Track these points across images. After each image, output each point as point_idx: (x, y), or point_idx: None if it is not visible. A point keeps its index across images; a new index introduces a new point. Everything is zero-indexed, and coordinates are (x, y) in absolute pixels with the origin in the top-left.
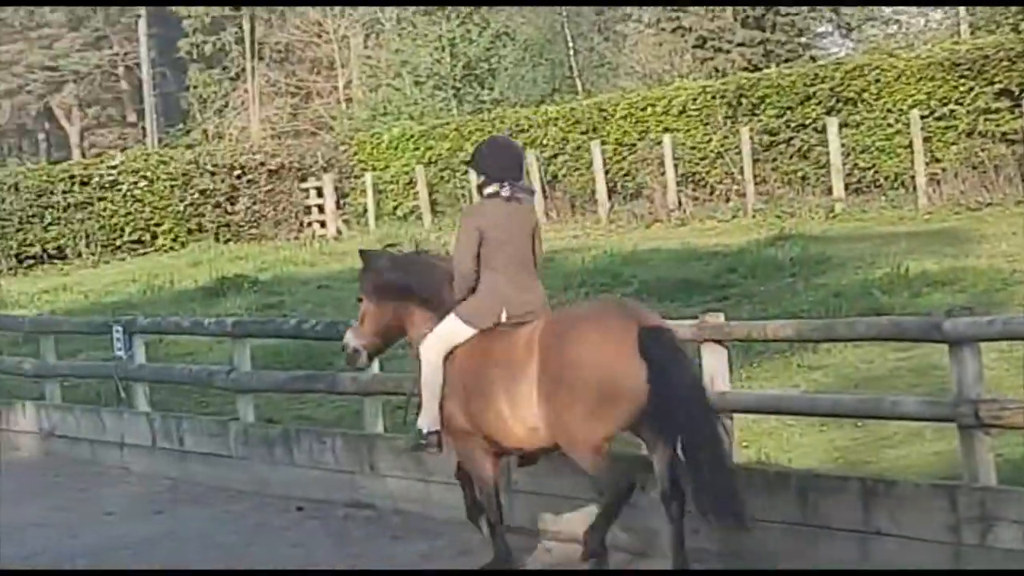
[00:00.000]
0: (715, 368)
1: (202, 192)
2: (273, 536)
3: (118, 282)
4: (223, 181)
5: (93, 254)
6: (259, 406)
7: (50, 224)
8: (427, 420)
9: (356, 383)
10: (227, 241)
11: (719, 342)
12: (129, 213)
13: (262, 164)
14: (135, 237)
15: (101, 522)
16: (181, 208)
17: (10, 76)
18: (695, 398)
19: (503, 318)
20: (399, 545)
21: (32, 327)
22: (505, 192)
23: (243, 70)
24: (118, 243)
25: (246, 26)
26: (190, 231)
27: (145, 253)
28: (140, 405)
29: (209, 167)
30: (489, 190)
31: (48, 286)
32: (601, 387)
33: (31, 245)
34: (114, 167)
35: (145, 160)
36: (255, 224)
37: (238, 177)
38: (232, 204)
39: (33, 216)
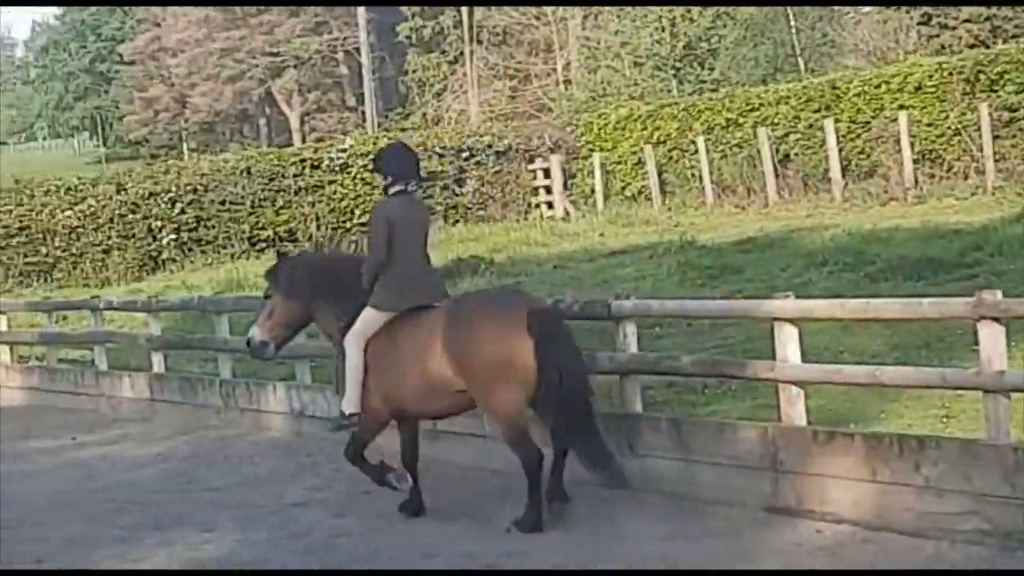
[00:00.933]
0: (992, 347)
1: (430, 174)
2: None
3: None
4: (451, 163)
5: (323, 236)
6: None
7: (281, 208)
8: (350, 403)
9: (614, 362)
10: (455, 223)
11: (996, 320)
12: (358, 196)
13: (489, 146)
14: (364, 220)
15: (360, 500)
16: None
17: (232, 62)
18: (575, 370)
19: (411, 303)
20: (667, 526)
21: None
22: (410, 189)
23: (461, 53)
24: (348, 226)
25: (464, 10)
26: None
27: None
28: None
29: (437, 149)
30: (395, 189)
31: None
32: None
33: (263, 228)
34: (344, 150)
35: (375, 143)
36: (482, 206)
37: (466, 159)
38: (460, 186)
39: (265, 200)
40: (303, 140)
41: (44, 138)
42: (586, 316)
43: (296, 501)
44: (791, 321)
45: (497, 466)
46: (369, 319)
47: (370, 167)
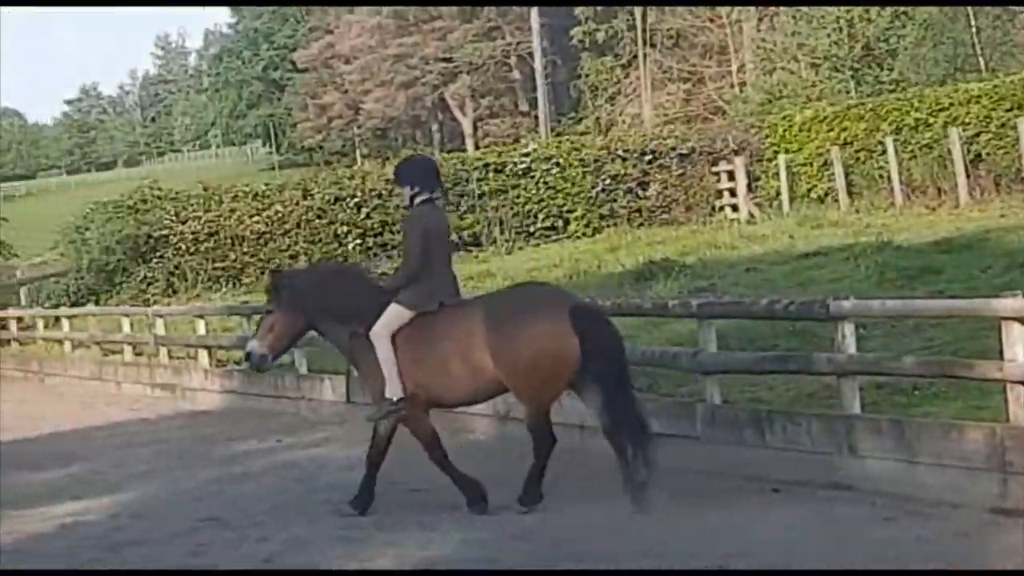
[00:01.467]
0: None
1: (613, 178)
2: (746, 516)
3: (539, 267)
4: (634, 166)
5: (508, 241)
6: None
7: (465, 212)
8: (394, 390)
9: (832, 364)
10: (639, 226)
11: None
12: (542, 200)
13: (672, 149)
14: (548, 224)
15: (575, 502)
16: (593, 194)
17: (405, 68)
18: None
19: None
20: (891, 528)
21: None
22: (435, 198)
23: (635, 57)
24: (531, 230)
25: (638, 13)
26: (602, 216)
27: (557, 239)
28: None
29: (620, 153)
30: (421, 198)
31: (470, 272)
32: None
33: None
34: (527, 154)
35: (557, 147)
36: (666, 209)
37: (649, 162)
38: (643, 189)
39: (449, 204)
40: (476, 146)
41: (218, 146)
42: (803, 316)
43: (511, 503)
44: (1020, 320)
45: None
46: (395, 316)
47: (392, 179)
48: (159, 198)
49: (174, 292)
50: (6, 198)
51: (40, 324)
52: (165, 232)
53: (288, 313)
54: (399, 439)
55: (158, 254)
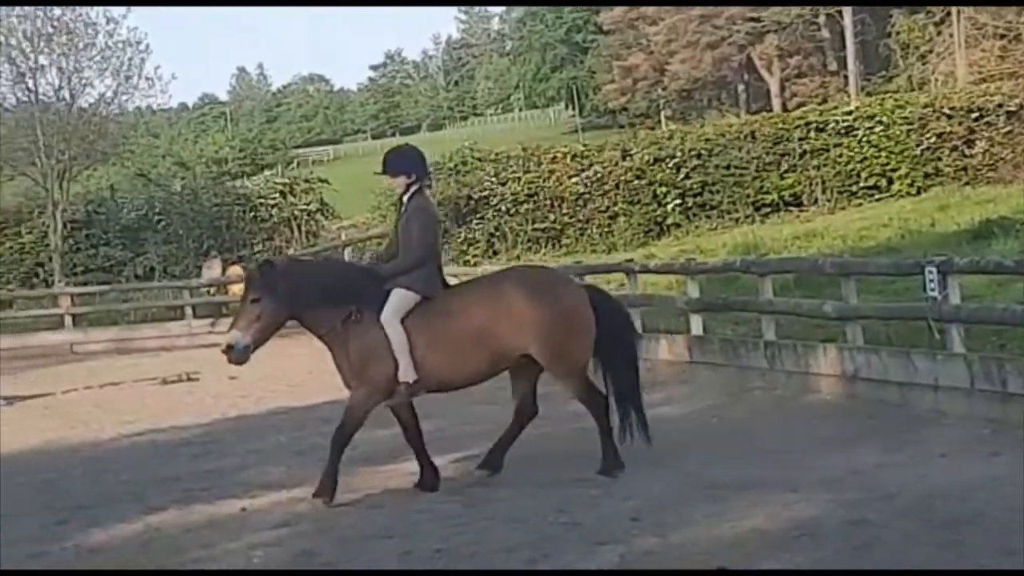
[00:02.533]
0: None
1: (938, 136)
2: None
3: (868, 227)
4: (959, 124)
5: (829, 200)
6: None
7: (786, 171)
8: (408, 373)
9: None
10: (965, 184)
11: None
12: (865, 159)
13: (999, 106)
14: (870, 183)
15: (934, 463)
16: (917, 152)
17: (711, 28)
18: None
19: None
20: None
21: (834, 268)
22: (429, 185)
23: (948, 14)
24: (853, 189)
25: None
26: (926, 175)
27: (880, 199)
28: (955, 347)
29: (945, 110)
30: (417, 187)
31: (794, 232)
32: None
33: (767, 192)
34: (849, 113)
35: (880, 105)
36: (992, 167)
37: (975, 120)
38: (969, 147)
39: (769, 164)
40: (783, 106)
41: (520, 109)
42: None
43: (875, 463)
44: None
45: None
46: (405, 301)
47: (379, 171)
48: (479, 160)
49: (495, 253)
50: (314, 162)
51: None
52: (485, 193)
53: (277, 304)
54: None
55: (478, 215)
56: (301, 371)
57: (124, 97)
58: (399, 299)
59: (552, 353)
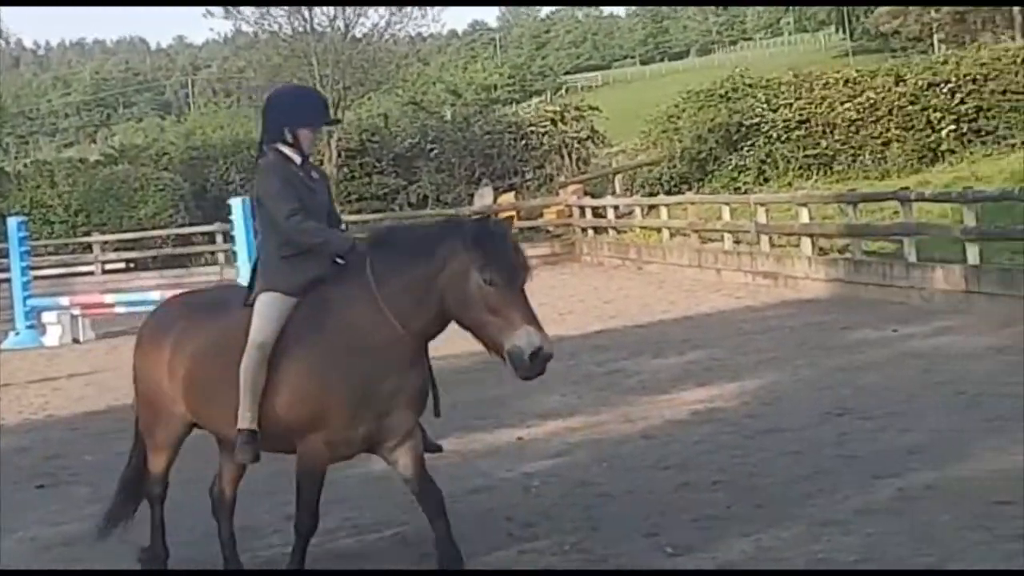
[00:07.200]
0: None
1: None
2: None
3: None
4: None
5: None
6: None
7: None
8: None
9: None
10: None
11: None
12: None
13: None
14: None
15: None
16: None
17: None
18: None
19: None
20: None
21: None
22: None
23: None
24: None
25: None
26: None
27: None
28: None
29: None
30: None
31: None
32: None
33: None
34: None
35: None
36: None
37: None
38: None
39: None
40: None
41: (790, 33)
42: None
43: None
44: None
45: None
46: None
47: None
48: (750, 86)
49: (766, 180)
50: (583, 88)
51: (638, 212)
52: (756, 120)
53: None
54: None
55: (749, 142)
56: (572, 300)
57: (397, 26)
58: None
59: None
